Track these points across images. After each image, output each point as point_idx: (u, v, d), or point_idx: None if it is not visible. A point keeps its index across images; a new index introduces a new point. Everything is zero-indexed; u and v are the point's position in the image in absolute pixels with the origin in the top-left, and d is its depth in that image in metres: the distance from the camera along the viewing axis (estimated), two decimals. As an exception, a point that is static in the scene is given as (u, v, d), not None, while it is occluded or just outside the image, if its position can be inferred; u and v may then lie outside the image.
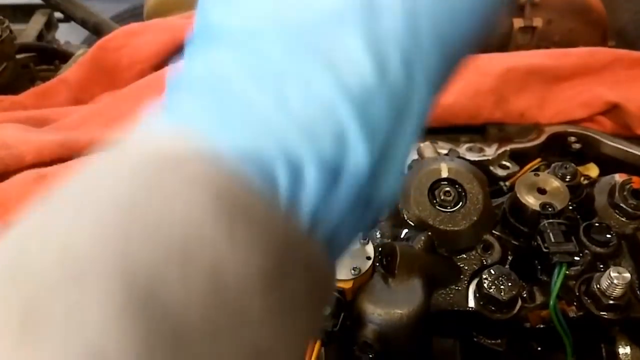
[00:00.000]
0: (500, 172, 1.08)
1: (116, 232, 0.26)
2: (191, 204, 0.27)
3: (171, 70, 0.35)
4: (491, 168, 1.08)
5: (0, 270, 0.26)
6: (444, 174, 0.86)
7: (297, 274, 0.30)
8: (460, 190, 0.85)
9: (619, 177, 0.88)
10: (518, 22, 1.24)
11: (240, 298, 0.27)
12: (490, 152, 1.10)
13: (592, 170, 1.13)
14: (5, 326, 0.24)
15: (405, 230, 0.85)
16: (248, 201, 0.29)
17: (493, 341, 0.83)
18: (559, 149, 1.16)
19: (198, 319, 0.26)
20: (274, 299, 0.29)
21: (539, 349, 0.85)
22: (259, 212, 0.29)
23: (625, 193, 0.85)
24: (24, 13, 1.53)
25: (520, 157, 1.11)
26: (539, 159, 1.10)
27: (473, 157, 1.08)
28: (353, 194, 0.32)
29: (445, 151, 1.09)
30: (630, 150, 1.11)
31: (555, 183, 0.86)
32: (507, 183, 1.04)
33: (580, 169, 1.11)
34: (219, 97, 0.31)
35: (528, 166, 1.08)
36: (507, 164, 1.09)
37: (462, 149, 1.11)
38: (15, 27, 1.34)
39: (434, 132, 1.16)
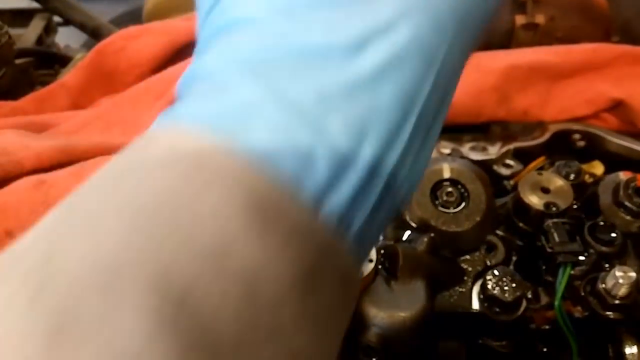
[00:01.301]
0: (504, 171, 1.07)
1: (145, 237, 0.25)
2: (222, 206, 0.26)
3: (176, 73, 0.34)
4: (494, 167, 1.07)
5: (24, 279, 0.24)
6: (446, 175, 0.85)
7: (329, 280, 0.29)
8: (462, 190, 0.84)
9: (623, 175, 0.87)
10: (520, 19, 1.23)
11: (274, 306, 0.26)
12: (494, 151, 1.09)
13: (597, 168, 1.12)
14: (34, 335, 0.23)
15: (408, 232, 0.84)
16: (279, 204, 0.27)
17: (498, 343, 0.82)
18: (564, 146, 1.14)
19: (233, 330, 0.25)
20: (308, 306, 0.28)
21: (545, 350, 0.84)
22: (290, 216, 0.28)
23: (629, 191, 0.84)
24: (23, 17, 1.52)
25: (524, 156, 1.10)
26: (543, 157, 1.09)
27: (476, 156, 1.07)
28: (376, 189, 0.31)
29: (448, 151, 1.08)
30: (636, 147, 1.10)
31: (559, 182, 0.85)
32: (511, 182, 1.03)
33: (585, 166, 1.10)
34: (220, 95, 0.29)
35: (532, 165, 1.07)
36: (511, 162, 1.08)
37: (465, 149, 1.10)
38: (14, 31, 1.33)
39: (436, 132, 1.15)
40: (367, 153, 0.30)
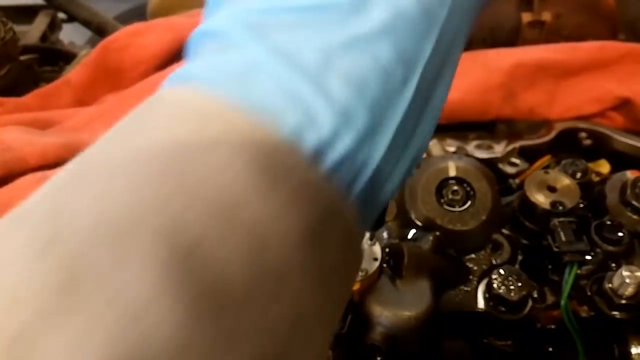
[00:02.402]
0: (510, 170, 1.06)
1: (153, 192, 0.26)
2: (229, 162, 0.27)
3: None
4: (500, 165, 1.07)
5: (32, 233, 0.25)
6: (452, 173, 0.85)
7: (334, 238, 0.30)
8: (468, 189, 0.84)
9: (630, 174, 0.87)
10: (526, 17, 1.22)
11: (281, 262, 0.27)
12: (499, 149, 1.09)
13: (604, 167, 1.11)
14: (45, 285, 0.23)
15: (413, 231, 0.84)
16: (286, 160, 0.28)
17: (503, 342, 0.81)
18: (570, 145, 1.14)
19: (240, 284, 0.26)
20: (314, 263, 0.28)
21: (550, 349, 0.84)
22: (296, 172, 0.28)
23: (637, 190, 0.84)
24: (27, 14, 1.52)
25: (529, 154, 1.09)
26: (549, 156, 1.08)
27: (482, 154, 1.07)
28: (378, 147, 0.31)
29: (453, 149, 1.08)
30: (642, 145, 1.09)
31: (565, 181, 0.84)
32: (517, 180, 1.02)
33: (591, 165, 1.09)
34: (227, 54, 0.31)
35: (538, 163, 1.07)
36: (517, 161, 1.08)
37: (471, 147, 1.09)
38: (19, 28, 1.33)
39: (441, 130, 1.15)
40: (367, 108, 0.30)
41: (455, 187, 0.84)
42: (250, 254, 0.26)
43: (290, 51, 0.30)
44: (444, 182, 0.85)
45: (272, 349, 0.27)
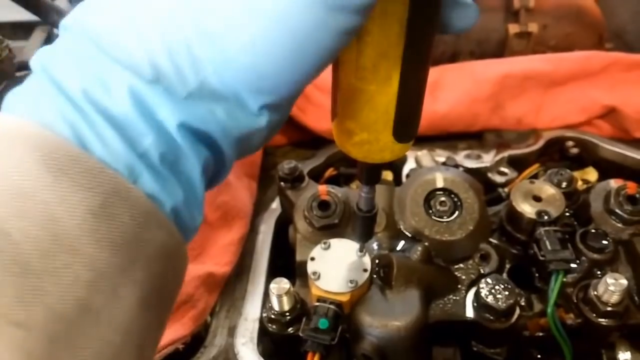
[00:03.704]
0: (499, 179, 1.08)
1: None
2: (22, 160, 0.35)
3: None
4: (489, 175, 1.09)
5: None
6: (439, 184, 0.86)
7: (122, 211, 0.37)
8: (456, 199, 0.86)
9: (614, 183, 0.88)
10: (513, 28, 1.25)
11: (73, 233, 0.35)
12: (488, 158, 1.11)
13: (591, 175, 1.13)
14: None
15: (402, 242, 0.85)
16: (70, 155, 0.36)
17: (493, 350, 0.83)
18: (557, 153, 1.16)
19: (37, 250, 0.33)
20: (104, 231, 0.36)
21: (539, 356, 0.85)
22: (80, 162, 0.36)
23: (620, 199, 0.85)
24: (24, 30, 1.53)
25: (518, 163, 1.11)
26: (537, 165, 1.10)
27: (471, 164, 1.09)
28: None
29: (443, 159, 1.10)
30: (629, 153, 1.11)
31: (550, 190, 0.86)
32: (506, 189, 1.04)
33: (579, 173, 1.11)
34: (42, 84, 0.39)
35: (526, 172, 1.08)
36: (505, 170, 1.10)
37: (460, 157, 1.11)
38: (15, 44, 1.34)
39: (431, 140, 1.17)
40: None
41: (443, 198, 0.86)
42: (44, 228, 0.34)
43: (63, 84, 0.38)
44: (432, 193, 0.86)
45: (71, 303, 0.34)
